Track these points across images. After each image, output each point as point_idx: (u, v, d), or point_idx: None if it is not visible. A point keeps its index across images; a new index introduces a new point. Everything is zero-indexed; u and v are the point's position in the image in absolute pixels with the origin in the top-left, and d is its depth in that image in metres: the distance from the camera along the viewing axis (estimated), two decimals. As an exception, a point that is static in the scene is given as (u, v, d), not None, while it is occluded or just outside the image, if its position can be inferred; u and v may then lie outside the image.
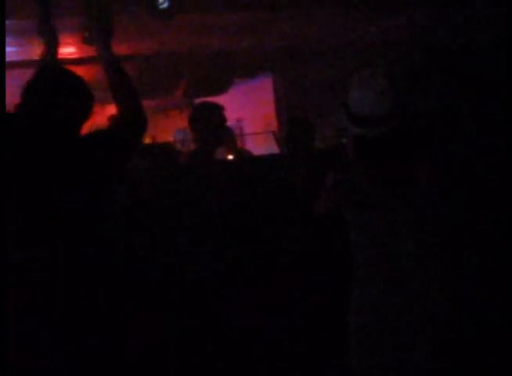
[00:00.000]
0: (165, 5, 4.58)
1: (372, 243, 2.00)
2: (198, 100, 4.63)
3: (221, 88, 5.81)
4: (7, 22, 3.67)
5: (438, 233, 1.96)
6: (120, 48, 5.04)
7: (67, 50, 5.21)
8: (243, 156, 4.78)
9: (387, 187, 1.98)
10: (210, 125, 3.43)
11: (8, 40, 4.19)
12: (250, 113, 8.40)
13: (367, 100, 1.97)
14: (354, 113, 2.00)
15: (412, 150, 2.05)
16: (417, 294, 1.92)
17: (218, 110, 3.53)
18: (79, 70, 6.38)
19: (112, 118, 4.43)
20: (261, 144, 7.23)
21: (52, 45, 2.72)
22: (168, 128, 9.88)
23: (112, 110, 5.55)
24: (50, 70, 2.31)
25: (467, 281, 2.04)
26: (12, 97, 2.50)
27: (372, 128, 1.97)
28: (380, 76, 1.99)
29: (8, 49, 4.31)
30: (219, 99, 6.43)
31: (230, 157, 5.02)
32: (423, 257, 1.94)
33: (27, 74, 2.43)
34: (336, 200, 2.10)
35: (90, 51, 5.19)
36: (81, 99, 2.15)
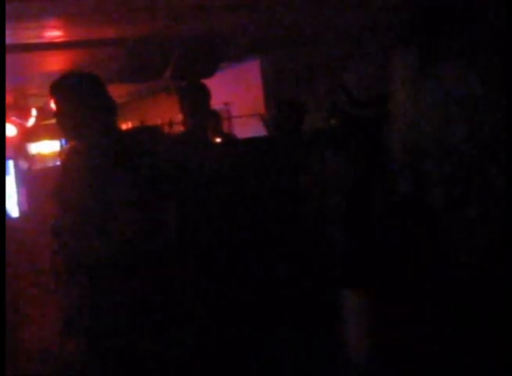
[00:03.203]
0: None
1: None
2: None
3: (209, 71, 5.80)
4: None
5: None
6: (108, 32, 5.02)
7: (53, 33, 5.16)
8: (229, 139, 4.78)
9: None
10: (196, 105, 3.46)
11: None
12: (238, 96, 8.39)
13: (365, 83, 1.99)
14: (351, 94, 2.03)
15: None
16: None
17: (203, 89, 3.55)
18: (65, 55, 6.32)
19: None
20: (248, 127, 7.24)
21: None
22: (157, 111, 9.87)
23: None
24: None
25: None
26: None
27: (368, 108, 2.00)
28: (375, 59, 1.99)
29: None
30: (206, 83, 6.39)
31: (218, 140, 5.02)
32: None
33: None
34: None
35: (76, 34, 5.17)
36: None
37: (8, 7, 4.33)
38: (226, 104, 8.51)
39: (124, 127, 9.11)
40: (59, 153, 7.69)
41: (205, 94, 3.53)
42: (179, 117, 3.66)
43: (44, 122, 8.38)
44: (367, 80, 3.75)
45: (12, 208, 5.41)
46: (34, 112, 8.09)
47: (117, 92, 7.50)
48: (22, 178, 5.85)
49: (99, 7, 4.47)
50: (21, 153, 9.27)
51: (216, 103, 8.03)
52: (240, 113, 8.02)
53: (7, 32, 5.05)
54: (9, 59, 4.78)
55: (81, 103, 2.60)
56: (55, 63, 5.64)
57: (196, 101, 3.47)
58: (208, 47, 5.04)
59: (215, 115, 6.09)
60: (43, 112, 7.79)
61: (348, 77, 2.44)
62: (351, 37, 5.08)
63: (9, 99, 7.54)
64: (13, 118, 7.86)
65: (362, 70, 4.42)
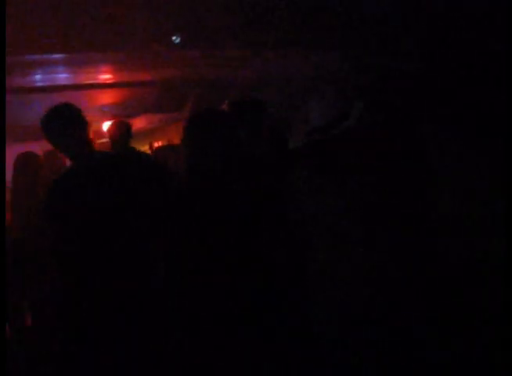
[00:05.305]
0: (177, 41, 6.18)
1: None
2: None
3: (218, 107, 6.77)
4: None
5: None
6: (143, 76, 6.29)
7: (104, 76, 6.35)
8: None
9: None
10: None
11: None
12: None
13: None
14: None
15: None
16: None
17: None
18: (113, 92, 7.35)
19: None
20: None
21: None
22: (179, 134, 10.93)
23: (137, 122, 6.53)
24: None
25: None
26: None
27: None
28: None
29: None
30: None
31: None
32: None
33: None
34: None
35: (122, 77, 6.15)
36: None
37: (69, 56, 5.66)
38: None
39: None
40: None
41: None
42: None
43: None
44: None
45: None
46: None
47: (151, 119, 8.72)
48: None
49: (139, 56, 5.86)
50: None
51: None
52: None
53: (70, 75, 6.24)
54: (70, 95, 5.98)
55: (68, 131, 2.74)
56: (106, 98, 6.86)
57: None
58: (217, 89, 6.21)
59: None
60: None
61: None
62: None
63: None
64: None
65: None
